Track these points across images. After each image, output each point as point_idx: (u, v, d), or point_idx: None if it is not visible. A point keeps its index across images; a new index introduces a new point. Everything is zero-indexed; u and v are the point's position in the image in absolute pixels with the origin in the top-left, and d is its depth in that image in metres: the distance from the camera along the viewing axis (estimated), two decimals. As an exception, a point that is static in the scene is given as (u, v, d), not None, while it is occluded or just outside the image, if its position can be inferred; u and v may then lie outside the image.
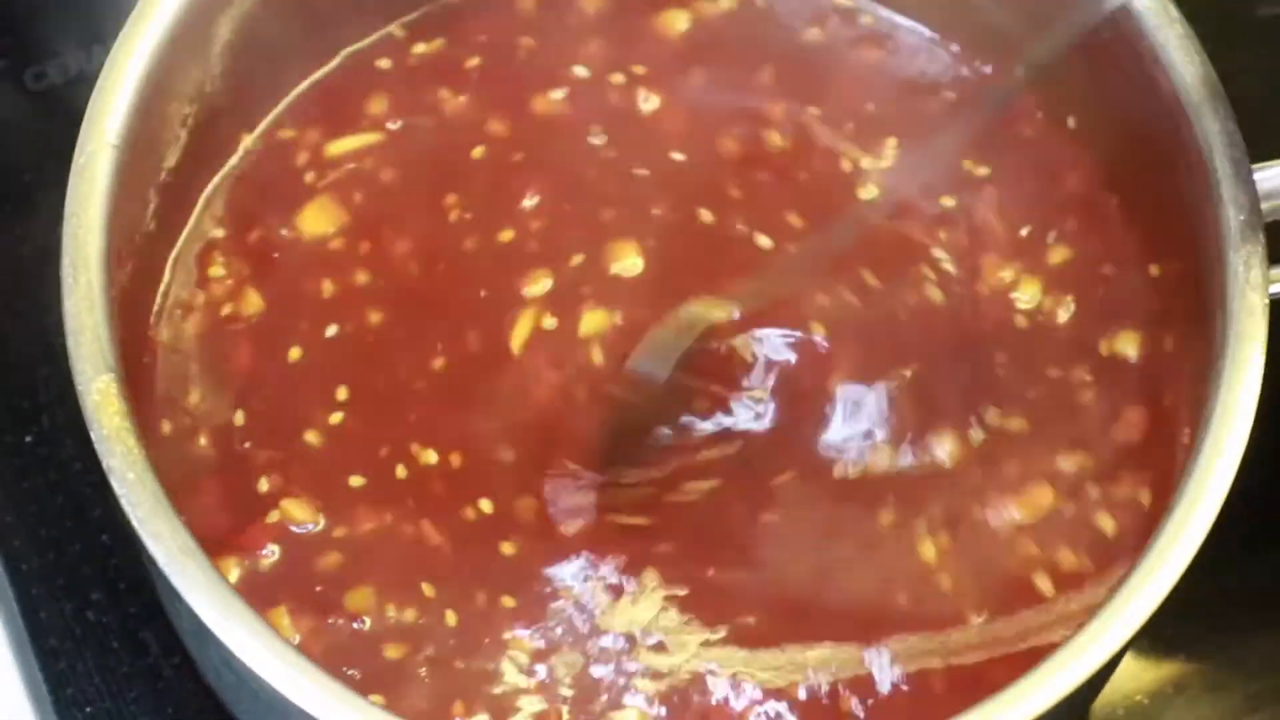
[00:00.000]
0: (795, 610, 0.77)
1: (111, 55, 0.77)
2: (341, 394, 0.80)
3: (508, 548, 0.77)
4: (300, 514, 0.77)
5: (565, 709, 0.75)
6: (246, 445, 0.79)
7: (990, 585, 0.78)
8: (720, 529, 0.78)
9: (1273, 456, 0.75)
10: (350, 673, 0.75)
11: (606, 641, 0.76)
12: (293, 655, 0.68)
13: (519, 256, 0.82)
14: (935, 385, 0.81)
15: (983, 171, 0.85)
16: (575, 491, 0.78)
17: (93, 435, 0.70)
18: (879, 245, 0.84)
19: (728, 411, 0.80)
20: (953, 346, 0.82)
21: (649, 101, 0.86)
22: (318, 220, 0.83)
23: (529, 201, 0.83)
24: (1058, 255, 0.84)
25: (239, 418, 0.79)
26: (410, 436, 0.79)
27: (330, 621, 0.75)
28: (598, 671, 0.76)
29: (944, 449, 0.80)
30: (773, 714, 0.75)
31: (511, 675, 0.75)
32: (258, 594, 0.74)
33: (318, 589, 0.76)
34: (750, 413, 0.80)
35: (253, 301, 0.81)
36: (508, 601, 0.76)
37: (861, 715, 0.75)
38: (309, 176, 0.84)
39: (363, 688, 0.73)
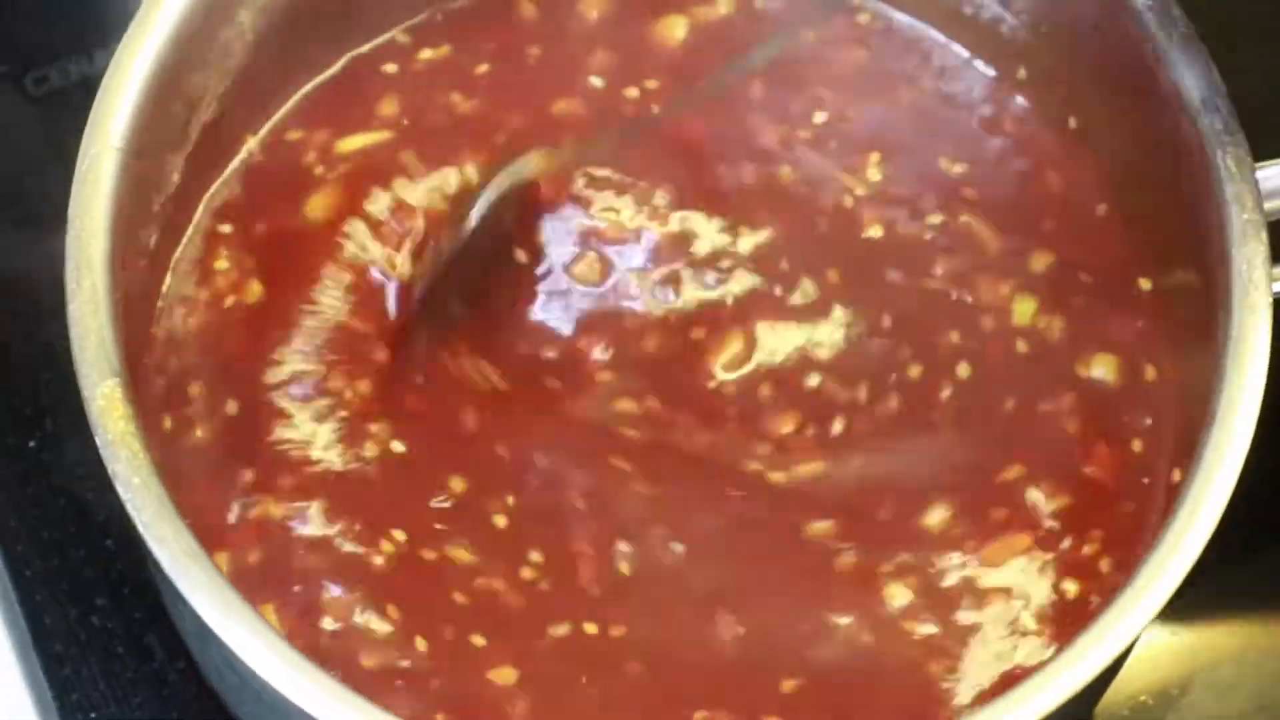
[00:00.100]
0: None
1: (115, 59, 0.77)
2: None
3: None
4: (284, 511, 0.77)
5: None
6: (241, 441, 0.78)
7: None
8: None
9: (1275, 456, 0.75)
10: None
11: None
12: (295, 657, 0.68)
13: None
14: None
15: (965, 177, 0.85)
16: None
17: (97, 440, 0.70)
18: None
19: None
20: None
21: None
22: (326, 207, 0.83)
23: None
24: (1039, 263, 0.84)
25: (234, 411, 0.79)
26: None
27: (313, 621, 0.75)
28: None
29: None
30: None
31: None
32: (247, 590, 0.74)
33: (296, 589, 0.76)
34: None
35: (254, 292, 0.81)
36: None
37: None
38: (318, 169, 0.84)
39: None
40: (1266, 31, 0.93)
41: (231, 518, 0.77)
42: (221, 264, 0.82)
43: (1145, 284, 0.83)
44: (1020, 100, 0.87)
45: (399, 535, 0.77)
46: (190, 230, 0.82)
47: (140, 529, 0.69)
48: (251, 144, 0.84)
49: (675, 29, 0.88)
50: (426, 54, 0.87)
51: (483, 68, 0.87)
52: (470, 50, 0.87)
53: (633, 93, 0.86)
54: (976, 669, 0.76)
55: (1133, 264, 0.83)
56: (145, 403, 0.78)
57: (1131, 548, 0.78)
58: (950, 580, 0.77)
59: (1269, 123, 0.79)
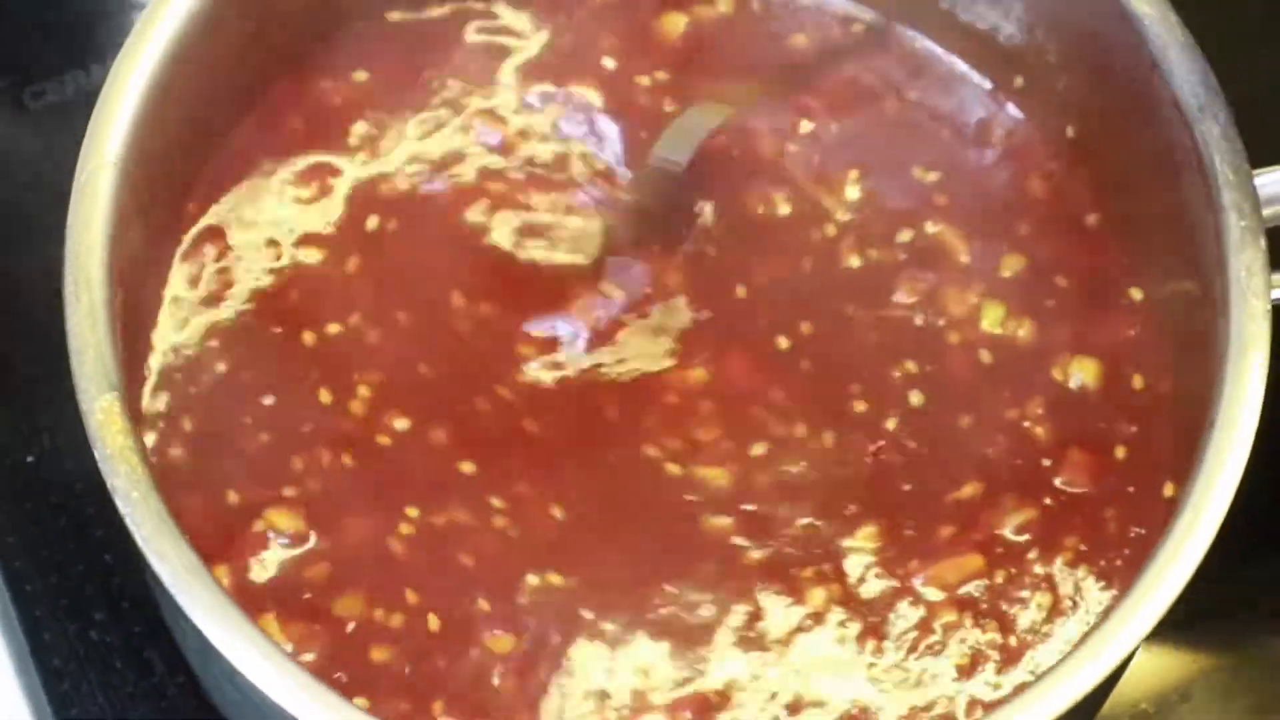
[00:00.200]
0: None
1: (113, 72, 0.77)
2: (325, 398, 0.80)
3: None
4: (287, 522, 0.77)
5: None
6: (238, 453, 0.79)
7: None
8: None
9: (1275, 464, 0.75)
10: (337, 676, 0.75)
11: None
12: (297, 672, 0.68)
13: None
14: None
15: (939, 184, 0.86)
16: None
17: (96, 455, 0.70)
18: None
19: None
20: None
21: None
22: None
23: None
24: (1009, 268, 0.84)
25: (235, 421, 0.79)
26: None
27: (319, 628, 0.75)
28: None
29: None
30: None
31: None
32: (248, 602, 0.74)
33: (306, 596, 0.76)
34: None
35: (253, 304, 0.81)
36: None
37: None
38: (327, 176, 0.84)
39: (349, 690, 0.74)
40: (1264, 38, 0.93)
41: (234, 529, 0.77)
42: (218, 280, 0.82)
43: (1136, 293, 0.83)
44: (1014, 110, 0.87)
45: (405, 530, 0.77)
46: (188, 245, 0.82)
47: (140, 544, 0.69)
48: (251, 161, 0.84)
49: (677, 25, 0.88)
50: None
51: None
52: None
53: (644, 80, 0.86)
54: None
55: (1124, 273, 0.83)
56: (147, 415, 0.78)
57: (1114, 557, 0.78)
58: (882, 597, 0.78)
59: (1267, 129, 0.79)
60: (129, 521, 0.69)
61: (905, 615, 0.77)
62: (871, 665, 0.77)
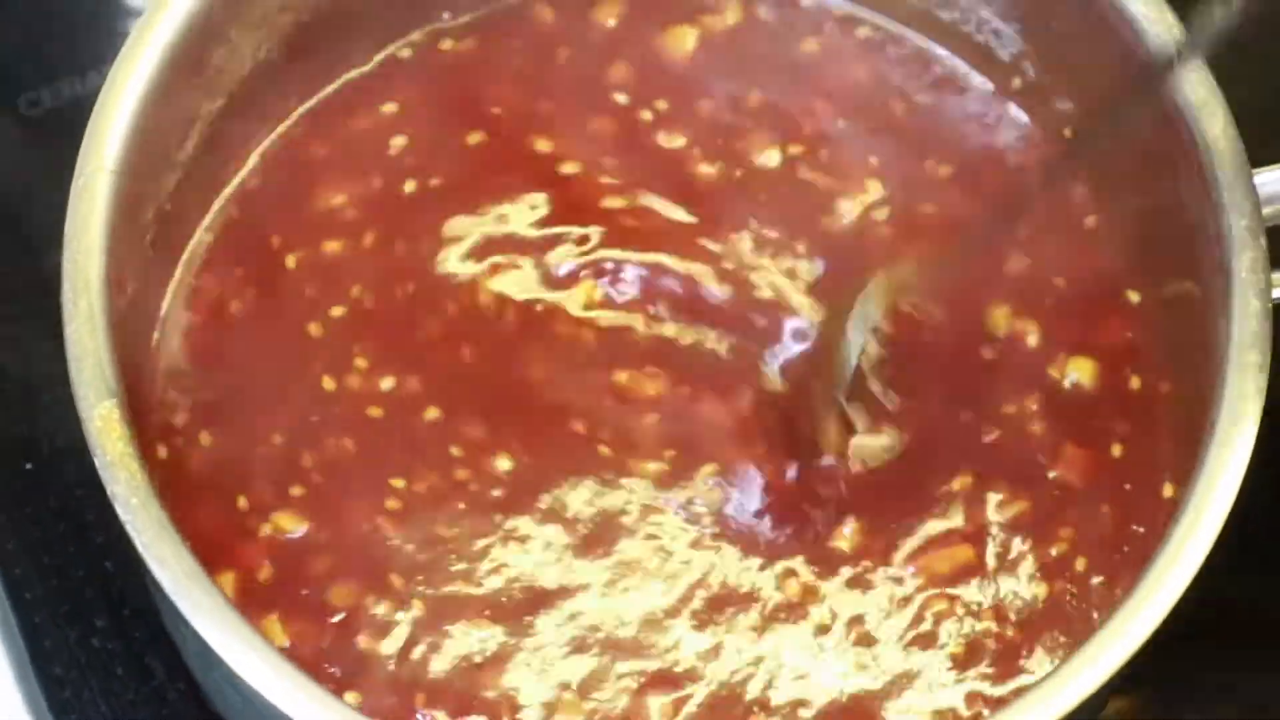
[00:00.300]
0: None
1: (109, 79, 0.77)
2: (329, 384, 0.80)
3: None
4: (292, 523, 0.77)
5: None
6: (239, 458, 0.79)
7: None
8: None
9: (1276, 460, 0.75)
10: (332, 670, 0.75)
11: None
12: (299, 678, 0.68)
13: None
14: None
15: (947, 183, 0.85)
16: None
17: (96, 462, 0.70)
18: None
19: None
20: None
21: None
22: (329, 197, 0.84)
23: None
24: (1012, 268, 0.84)
25: (238, 427, 0.79)
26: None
27: (317, 622, 0.76)
28: None
29: None
30: None
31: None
32: (253, 605, 0.75)
33: (304, 592, 0.76)
34: None
35: (252, 311, 0.81)
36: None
37: None
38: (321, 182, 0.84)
39: (343, 684, 0.74)
40: (1263, 37, 0.93)
41: (239, 534, 0.77)
42: (218, 286, 0.82)
43: (1134, 296, 0.83)
44: (1015, 112, 0.87)
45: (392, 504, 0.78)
46: (187, 253, 0.82)
47: (140, 550, 0.69)
48: (251, 161, 0.84)
49: (685, 40, 0.88)
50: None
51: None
52: (488, 60, 0.87)
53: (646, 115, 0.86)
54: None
55: (1122, 275, 0.83)
56: (148, 421, 0.78)
57: (1111, 552, 0.78)
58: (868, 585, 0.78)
59: (1266, 128, 0.79)
60: (129, 528, 0.69)
61: (894, 605, 0.77)
62: (860, 655, 0.77)
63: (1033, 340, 0.82)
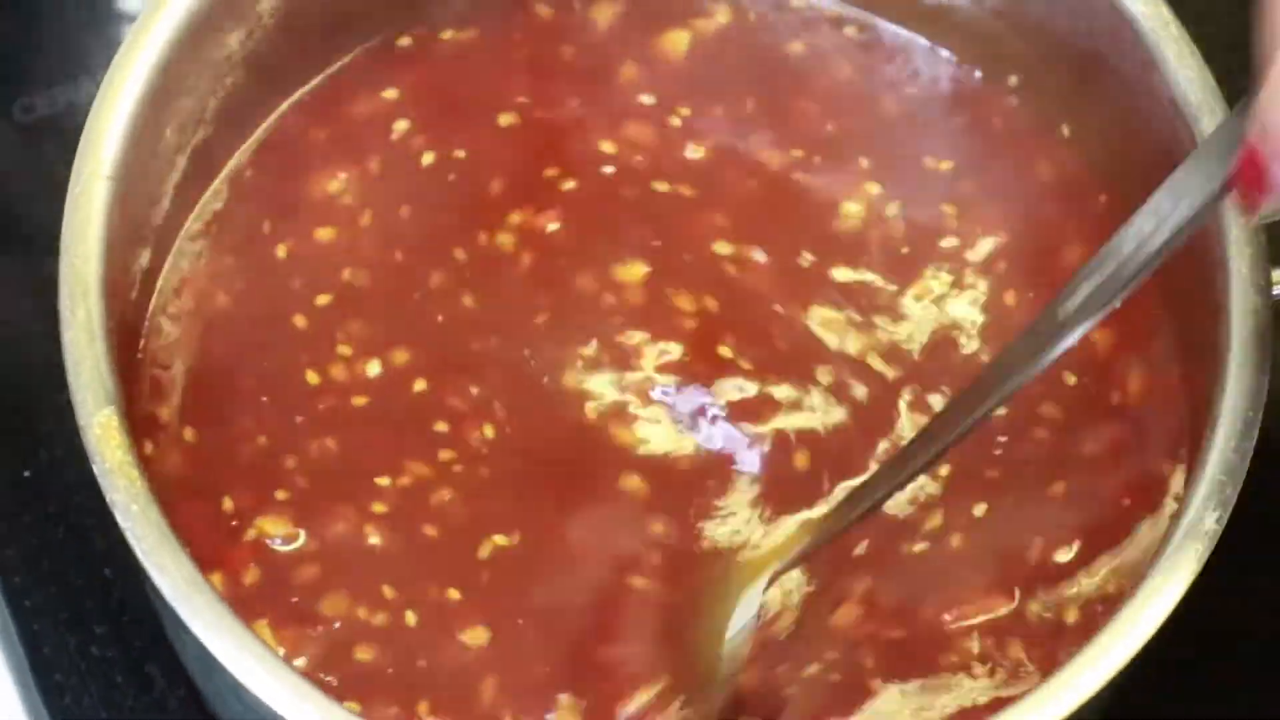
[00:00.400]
0: None
1: (104, 85, 0.77)
2: (313, 378, 0.80)
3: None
4: (276, 527, 0.77)
5: None
6: (225, 460, 0.79)
7: None
8: None
9: (1276, 460, 0.75)
10: (328, 679, 0.75)
11: None
12: (302, 684, 0.68)
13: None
14: None
15: (950, 180, 0.86)
16: None
17: (95, 469, 0.70)
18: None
19: None
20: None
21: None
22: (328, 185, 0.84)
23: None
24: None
25: (225, 430, 0.79)
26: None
27: (309, 631, 0.75)
28: None
29: None
30: None
31: None
32: (241, 610, 0.74)
33: (294, 600, 0.76)
34: None
35: (242, 311, 0.81)
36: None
37: None
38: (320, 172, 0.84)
39: (341, 694, 0.74)
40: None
41: (226, 538, 0.77)
42: (210, 287, 0.82)
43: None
44: (1012, 108, 0.87)
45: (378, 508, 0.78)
46: (186, 256, 0.82)
47: (140, 557, 0.69)
48: (243, 164, 0.84)
49: (679, 43, 0.88)
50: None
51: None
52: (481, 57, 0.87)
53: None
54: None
55: None
56: (136, 425, 0.77)
57: (1114, 541, 0.78)
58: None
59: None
60: (129, 535, 0.69)
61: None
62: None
63: None
